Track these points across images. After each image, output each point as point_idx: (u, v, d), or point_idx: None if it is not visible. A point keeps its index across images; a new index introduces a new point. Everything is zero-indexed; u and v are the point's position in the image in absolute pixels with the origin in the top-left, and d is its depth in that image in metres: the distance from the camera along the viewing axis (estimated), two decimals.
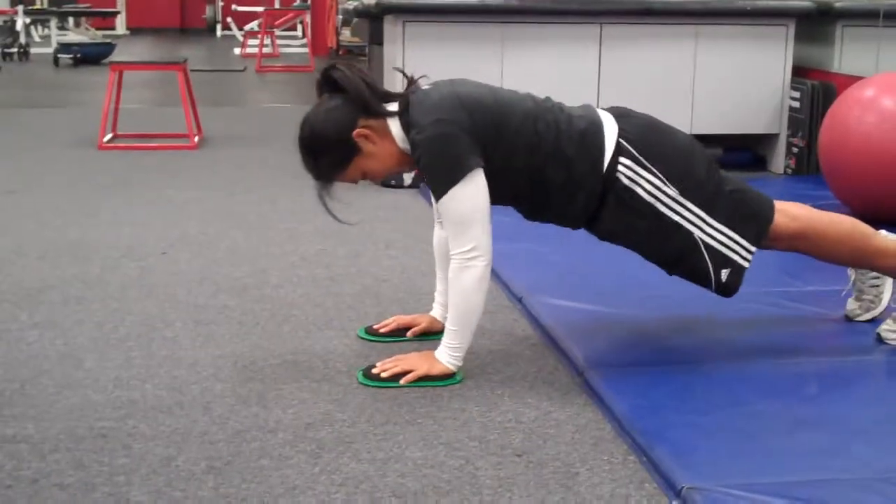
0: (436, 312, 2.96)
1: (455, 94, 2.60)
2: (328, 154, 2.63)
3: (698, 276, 2.70)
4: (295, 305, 3.23)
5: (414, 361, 2.64)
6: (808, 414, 2.42)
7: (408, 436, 2.33)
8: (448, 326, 2.64)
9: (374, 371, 2.63)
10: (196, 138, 6.27)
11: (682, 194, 2.62)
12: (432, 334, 2.91)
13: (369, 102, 2.60)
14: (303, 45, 13.87)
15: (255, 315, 3.13)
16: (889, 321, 2.87)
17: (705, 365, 2.70)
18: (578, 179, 2.62)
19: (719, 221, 2.65)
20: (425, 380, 2.60)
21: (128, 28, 16.61)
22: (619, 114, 2.71)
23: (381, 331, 2.93)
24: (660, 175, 2.61)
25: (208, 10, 17.17)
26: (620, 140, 2.63)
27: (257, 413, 2.44)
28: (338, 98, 2.62)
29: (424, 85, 2.68)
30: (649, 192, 2.61)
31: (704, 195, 2.64)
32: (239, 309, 3.18)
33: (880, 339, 2.87)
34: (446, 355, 2.63)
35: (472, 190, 2.54)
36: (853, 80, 4.78)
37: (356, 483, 2.11)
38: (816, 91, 5.38)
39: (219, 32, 16.72)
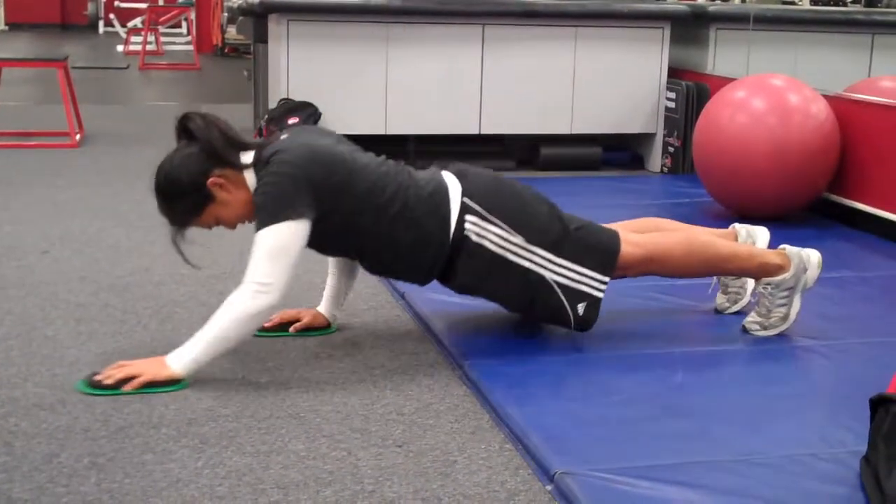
0: (322, 307, 3.01)
1: (309, 146, 2.66)
2: (182, 201, 2.67)
3: (557, 313, 2.81)
4: (178, 304, 3.24)
5: (140, 367, 2.59)
6: (674, 401, 2.54)
7: (291, 429, 2.37)
8: (198, 336, 2.59)
9: (97, 378, 2.56)
10: (77, 136, 6.19)
11: (528, 241, 2.74)
12: (315, 329, 2.95)
13: (221, 154, 2.64)
14: (188, 43, 13.71)
15: (138, 314, 3.13)
16: (752, 314, 3.01)
17: (579, 355, 2.81)
18: (427, 239, 2.73)
19: (568, 259, 2.77)
20: (150, 385, 2.55)
21: (6, 23, 16.20)
22: (461, 173, 2.82)
23: (265, 325, 2.96)
24: (504, 226, 2.73)
25: (90, 6, 16.81)
26: (465, 199, 2.75)
27: (140, 409, 2.45)
28: (194, 146, 2.66)
29: (283, 135, 2.73)
30: (497, 245, 2.73)
31: (550, 238, 2.77)
32: (121, 307, 3.18)
33: (745, 331, 3.01)
34: (179, 363, 2.58)
35: (290, 233, 2.59)
36: (726, 81, 4.96)
37: (239, 475, 2.15)
38: (691, 92, 5.55)
39: (101, 29, 16.37)
